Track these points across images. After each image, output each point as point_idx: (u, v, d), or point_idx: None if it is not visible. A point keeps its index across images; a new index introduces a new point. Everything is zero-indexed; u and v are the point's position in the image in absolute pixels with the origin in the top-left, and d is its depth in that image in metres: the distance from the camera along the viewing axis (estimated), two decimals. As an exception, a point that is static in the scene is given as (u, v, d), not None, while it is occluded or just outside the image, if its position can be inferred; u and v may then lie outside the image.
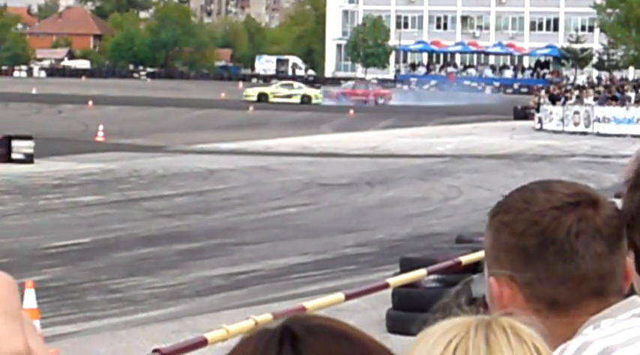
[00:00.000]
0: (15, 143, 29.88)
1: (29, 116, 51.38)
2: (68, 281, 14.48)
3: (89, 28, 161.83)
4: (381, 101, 78.91)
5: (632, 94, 55.74)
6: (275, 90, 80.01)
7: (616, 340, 1.75)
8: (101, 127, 37.92)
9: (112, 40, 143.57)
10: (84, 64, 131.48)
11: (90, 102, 60.59)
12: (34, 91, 73.08)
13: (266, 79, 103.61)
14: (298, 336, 1.02)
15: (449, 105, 72.73)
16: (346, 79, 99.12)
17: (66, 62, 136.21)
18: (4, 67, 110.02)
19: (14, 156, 29.38)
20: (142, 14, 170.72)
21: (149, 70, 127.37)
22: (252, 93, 78.35)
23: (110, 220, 20.19)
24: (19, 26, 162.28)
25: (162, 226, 19.72)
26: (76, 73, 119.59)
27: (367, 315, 12.21)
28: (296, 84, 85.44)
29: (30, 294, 11.13)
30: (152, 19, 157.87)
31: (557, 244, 1.86)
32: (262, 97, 76.36)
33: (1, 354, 0.69)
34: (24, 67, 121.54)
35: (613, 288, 1.90)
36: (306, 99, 76.49)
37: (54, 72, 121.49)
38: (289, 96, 77.86)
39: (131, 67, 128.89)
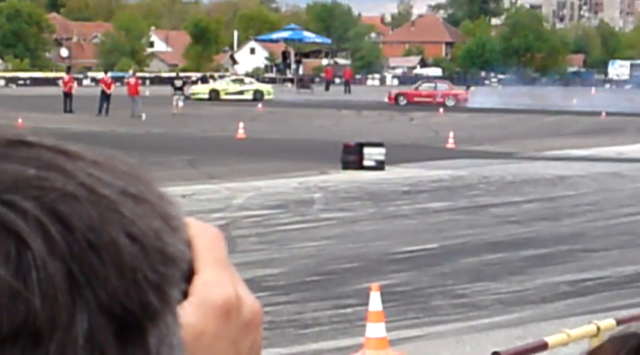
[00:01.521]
0: (367, 150, 30.39)
1: (381, 123, 52.34)
2: (414, 285, 14.65)
3: (441, 35, 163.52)
4: (451, 103, 69.59)
5: None
6: (226, 86, 77.06)
7: None
8: (451, 134, 38.01)
9: (464, 47, 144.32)
10: (436, 71, 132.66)
11: (440, 110, 61.09)
12: (386, 99, 74.47)
13: (618, 85, 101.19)
14: None
15: None
16: None
17: (418, 70, 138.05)
18: (357, 76, 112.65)
19: (366, 163, 29.87)
20: (494, 21, 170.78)
21: (500, 76, 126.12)
22: (204, 90, 75.96)
23: (458, 226, 20.27)
24: (373, 35, 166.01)
25: (509, 232, 19.61)
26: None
27: None
28: (247, 79, 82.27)
29: (375, 297, 11.37)
30: (504, 25, 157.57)
31: None
32: (213, 94, 74.06)
33: (213, 300, 0.72)
34: (377, 76, 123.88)
35: None
36: (258, 95, 72.57)
37: (406, 80, 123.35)
38: (241, 92, 74.71)
39: (482, 73, 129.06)
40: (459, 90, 72.57)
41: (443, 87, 73.73)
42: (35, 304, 0.60)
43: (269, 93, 74.33)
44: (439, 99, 69.08)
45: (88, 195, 0.64)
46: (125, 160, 0.70)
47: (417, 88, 74.18)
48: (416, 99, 69.75)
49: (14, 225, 0.60)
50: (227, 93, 73.94)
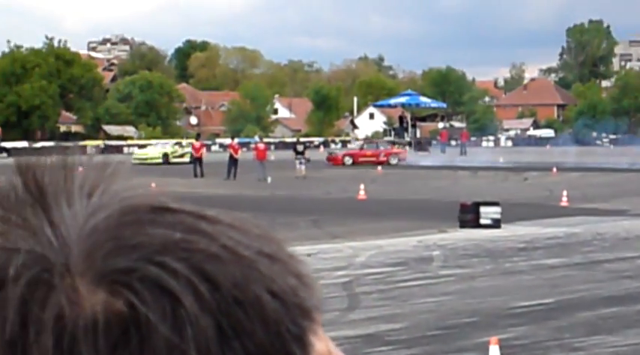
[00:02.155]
0: (483, 209, 30.30)
1: (496, 184, 52.05)
2: (532, 339, 14.49)
3: (553, 98, 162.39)
4: (394, 161, 70.81)
5: None
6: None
7: None
8: (565, 193, 37.74)
9: (575, 109, 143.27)
10: (548, 132, 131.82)
11: (554, 169, 60.54)
12: (500, 160, 74.08)
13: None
14: None
15: None
16: None
17: (531, 131, 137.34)
18: (472, 138, 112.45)
19: (482, 221, 29.76)
20: (604, 83, 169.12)
21: (612, 136, 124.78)
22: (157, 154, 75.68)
23: (573, 281, 20.00)
24: (487, 99, 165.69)
25: (624, 287, 19.21)
26: (541, 142, 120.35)
27: None
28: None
29: (495, 351, 11.38)
30: (614, 87, 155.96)
31: None
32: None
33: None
34: (491, 137, 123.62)
35: None
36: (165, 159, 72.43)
37: (519, 141, 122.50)
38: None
39: (594, 134, 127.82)
40: (400, 150, 73.24)
41: (385, 146, 75.94)
42: None
43: None
44: (382, 158, 70.66)
45: (229, 256, 0.67)
46: (257, 222, 0.73)
47: (361, 149, 75.88)
48: (361, 159, 70.12)
49: (167, 283, 0.64)
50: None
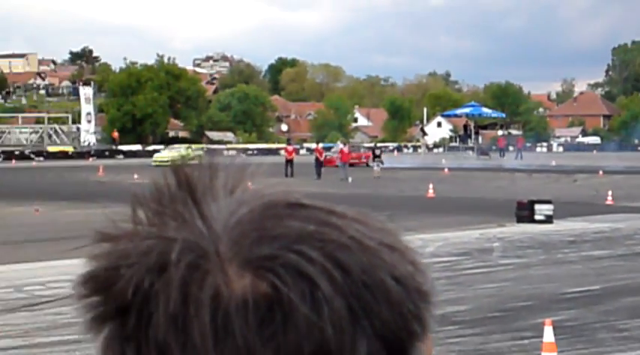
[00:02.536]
0: (537, 206, 30.09)
1: (549, 184, 51.56)
2: (581, 321, 14.37)
3: (599, 109, 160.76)
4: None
5: None
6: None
7: None
8: (610, 192, 37.30)
9: (619, 119, 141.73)
10: (595, 140, 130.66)
11: (600, 172, 59.79)
12: (553, 163, 73.49)
13: None
14: None
15: None
16: None
17: (580, 139, 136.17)
18: (527, 144, 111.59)
19: (537, 217, 29.53)
20: None
21: None
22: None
23: (617, 270, 19.77)
24: (541, 110, 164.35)
25: None
26: (588, 148, 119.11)
27: None
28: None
29: (549, 331, 11.31)
30: None
31: None
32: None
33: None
34: (544, 144, 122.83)
35: None
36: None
37: (569, 147, 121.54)
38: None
39: (636, 140, 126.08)
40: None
41: (365, 150, 72.82)
42: (328, 332, 0.68)
43: None
44: (363, 160, 69.53)
45: (357, 245, 0.69)
46: (376, 216, 0.77)
47: (349, 152, 70.87)
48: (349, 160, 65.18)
49: (306, 269, 0.66)
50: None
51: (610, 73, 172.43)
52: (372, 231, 0.72)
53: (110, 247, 0.70)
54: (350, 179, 52.29)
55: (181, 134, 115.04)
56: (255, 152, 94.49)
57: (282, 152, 66.22)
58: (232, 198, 0.72)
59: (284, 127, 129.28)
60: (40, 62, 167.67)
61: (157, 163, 66.53)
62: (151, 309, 0.69)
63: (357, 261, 0.68)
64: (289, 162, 57.29)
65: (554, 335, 11.32)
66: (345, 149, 58.67)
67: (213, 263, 0.67)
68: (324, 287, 0.68)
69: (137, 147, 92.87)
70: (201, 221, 0.69)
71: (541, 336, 11.45)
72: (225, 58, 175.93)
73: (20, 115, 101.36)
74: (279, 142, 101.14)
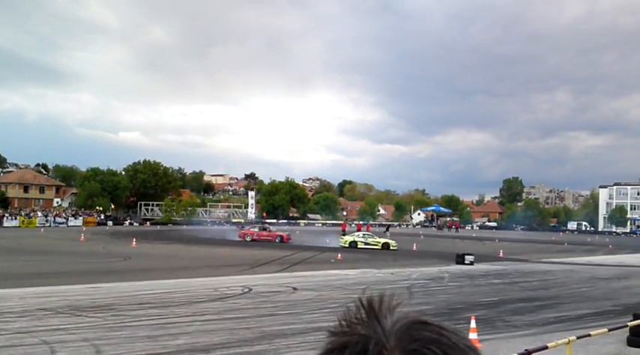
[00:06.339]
0: (466, 256, 28.60)
1: (472, 245, 48.98)
2: (488, 316, 13.64)
3: (496, 209, 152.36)
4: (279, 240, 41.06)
5: None
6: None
7: None
8: (501, 251, 36.01)
9: (505, 215, 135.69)
10: (494, 224, 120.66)
11: (496, 240, 57.73)
12: (473, 235, 71.58)
13: None
14: None
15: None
16: None
17: (486, 223, 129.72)
18: (462, 225, 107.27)
19: (466, 261, 28.35)
20: (519, 204, 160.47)
21: (522, 226, 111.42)
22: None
23: (505, 290, 18.66)
24: (468, 209, 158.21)
25: (526, 295, 17.89)
26: (491, 228, 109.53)
27: (617, 337, 10.59)
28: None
29: (473, 322, 10.74)
30: (522, 205, 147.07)
31: None
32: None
33: None
34: (469, 226, 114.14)
35: None
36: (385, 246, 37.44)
37: (482, 227, 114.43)
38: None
39: (514, 225, 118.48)
40: (284, 233, 42.04)
41: (274, 229, 44.90)
42: None
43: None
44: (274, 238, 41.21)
45: (456, 346, 0.63)
46: (464, 334, 0.68)
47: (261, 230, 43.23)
48: (261, 237, 41.44)
49: None
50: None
51: (501, 191, 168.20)
52: (461, 338, 0.65)
53: (336, 339, 0.65)
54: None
55: (295, 215, 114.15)
56: (331, 224, 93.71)
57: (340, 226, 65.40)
58: (394, 316, 0.66)
59: (344, 213, 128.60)
60: (230, 178, 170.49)
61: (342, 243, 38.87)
62: None
63: None
64: (343, 229, 56.35)
65: (476, 323, 10.81)
66: (370, 225, 55.73)
67: (388, 350, 0.62)
68: None
69: (274, 220, 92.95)
70: (380, 328, 0.65)
71: (469, 323, 10.92)
72: (317, 179, 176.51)
73: (219, 204, 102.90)
74: (340, 220, 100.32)
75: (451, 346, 0.64)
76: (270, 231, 42.71)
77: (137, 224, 74.72)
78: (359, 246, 38.37)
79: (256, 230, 42.97)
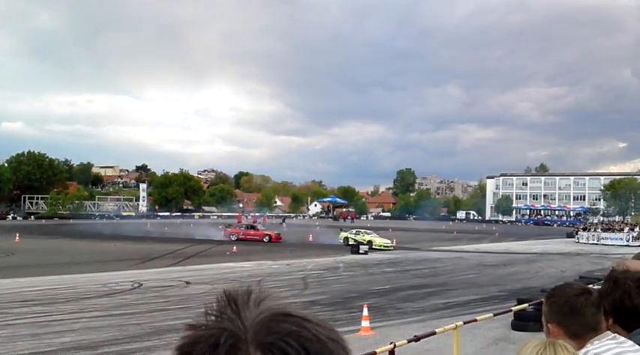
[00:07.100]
0: (361, 246, 29.61)
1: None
2: (380, 304, 13.97)
3: (390, 200, 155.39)
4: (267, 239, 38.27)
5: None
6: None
7: (599, 350, 1.79)
8: (395, 240, 36.04)
9: (399, 205, 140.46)
10: (388, 214, 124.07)
11: (390, 229, 58.34)
12: (368, 225, 72.57)
13: None
14: None
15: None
16: None
17: (381, 214, 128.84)
18: (357, 215, 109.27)
19: (360, 251, 29.04)
20: (412, 194, 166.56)
21: (415, 216, 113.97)
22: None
23: (397, 278, 19.22)
24: (363, 199, 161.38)
25: (417, 282, 18.51)
26: (385, 218, 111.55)
27: (502, 322, 11.19)
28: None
29: (365, 310, 10.89)
30: (415, 194, 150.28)
31: (577, 311, 1.84)
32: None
33: None
34: (365, 216, 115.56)
35: (600, 328, 1.86)
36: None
37: (376, 217, 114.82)
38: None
39: (407, 215, 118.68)
40: (272, 233, 39.20)
41: (262, 228, 41.48)
42: None
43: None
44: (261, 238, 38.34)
45: (316, 339, 0.62)
46: (325, 320, 0.67)
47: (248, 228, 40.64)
48: (248, 236, 38.38)
49: (288, 351, 0.59)
50: None
51: (395, 182, 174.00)
52: (324, 329, 0.63)
53: (191, 332, 0.63)
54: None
55: (190, 207, 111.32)
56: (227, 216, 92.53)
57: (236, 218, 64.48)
58: (257, 308, 0.64)
59: (240, 205, 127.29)
60: (120, 170, 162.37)
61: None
62: None
63: (315, 348, 0.61)
64: (239, 221, 55.12)
65: (368, 311, 10.97)
66: (266, 217, 54.26)
67: (242, 344, 0.60)
68: None
69: (167, 213, 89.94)
70: (239, 321, 0.63)
71: (361, 312, 11.09)
72: (213, 170, 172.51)
73: (109, 197, 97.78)
74: (236, 212, 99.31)
75: (310, 339, 0.61)
76: (257, 230, 40.51)
77: (21, 218, 70.68)
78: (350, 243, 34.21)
79: (243, 229, 40.65)
